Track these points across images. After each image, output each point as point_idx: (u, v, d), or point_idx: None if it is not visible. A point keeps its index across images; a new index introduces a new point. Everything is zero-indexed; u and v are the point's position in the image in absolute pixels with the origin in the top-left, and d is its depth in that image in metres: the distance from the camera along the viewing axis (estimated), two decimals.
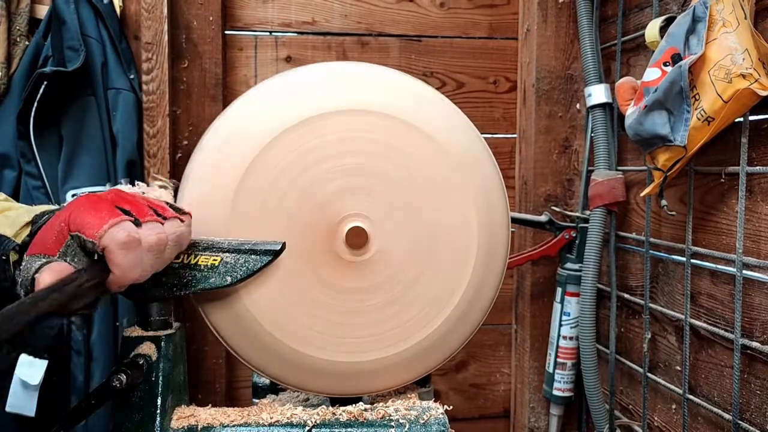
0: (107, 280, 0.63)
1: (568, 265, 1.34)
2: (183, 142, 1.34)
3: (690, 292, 1.04)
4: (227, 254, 0.77)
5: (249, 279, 0.78)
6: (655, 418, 1.17)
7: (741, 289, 0.92)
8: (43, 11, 1.23)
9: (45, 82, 1.13)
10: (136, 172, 1.24)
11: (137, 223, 0.64)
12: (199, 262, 0.77)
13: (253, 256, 0.77)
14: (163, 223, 0.67)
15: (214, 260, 0.77)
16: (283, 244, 0.78)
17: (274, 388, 0.97)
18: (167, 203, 0.73)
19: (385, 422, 0.77)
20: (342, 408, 0.80)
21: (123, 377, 0.71)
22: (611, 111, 1.27)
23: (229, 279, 0.77)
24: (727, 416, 0.95)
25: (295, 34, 1.44)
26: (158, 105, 1.26)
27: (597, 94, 1.27)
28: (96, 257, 0.64)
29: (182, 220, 0.71)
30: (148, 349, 0.78)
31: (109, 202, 0.65)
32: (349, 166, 0.81)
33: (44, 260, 0.61)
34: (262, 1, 1.42)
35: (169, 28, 1.27)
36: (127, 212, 0.64)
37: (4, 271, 0.63)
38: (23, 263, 0.62)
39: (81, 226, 0.62)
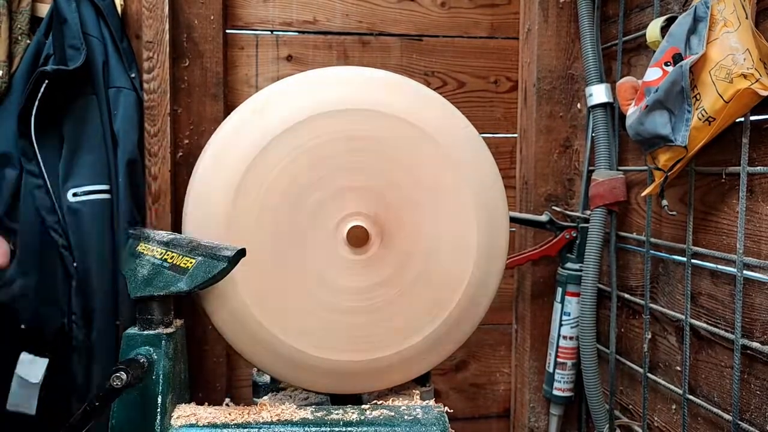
0: None
1: (569, 264, 1.34)
2: (184, 141, 1.34)
3: (690, 292, 1.04)
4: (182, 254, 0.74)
5: (211, 284, 0.72)
6: (655, 419, 1.17)
7: (741, 289, 0.92)
8: (44, 10, 1.23)
9: (46, 81, 1.13)
10: (137, 171, 1.24)
11: None
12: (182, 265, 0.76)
13: (212, 261, 0.71)
14: None
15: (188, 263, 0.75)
16: (242, 251, 0.72)
17: (275, 387, 0.97)
18: None
19: (385, 421, 0.77)
20: (342, 407, 0.81)
21: (124, 376, 0.71)
22: (612, 111, 1.27)
23: (189, 284, 0.73)
24: (727, 416, 0.95)
25: (296, 34, 1.44)
26: (159, 104, 1.26)
27: (598, 93, 1.27)
28: None
29: None
30: (148, 347, 0.78)
31: None
32: (350, 165, 0.81)
33: None
34: (263, 0, 1.42)
35: (170, 27, 1.27)
36: None
37: None
38: None
39: None
